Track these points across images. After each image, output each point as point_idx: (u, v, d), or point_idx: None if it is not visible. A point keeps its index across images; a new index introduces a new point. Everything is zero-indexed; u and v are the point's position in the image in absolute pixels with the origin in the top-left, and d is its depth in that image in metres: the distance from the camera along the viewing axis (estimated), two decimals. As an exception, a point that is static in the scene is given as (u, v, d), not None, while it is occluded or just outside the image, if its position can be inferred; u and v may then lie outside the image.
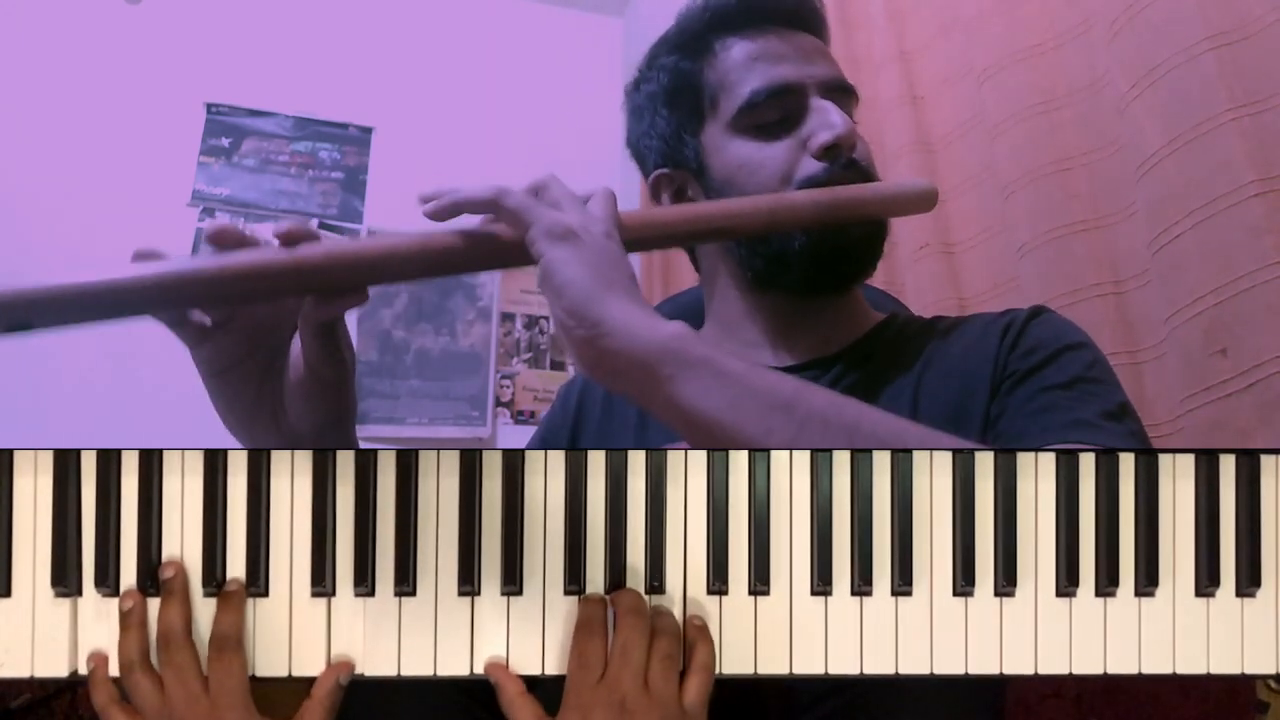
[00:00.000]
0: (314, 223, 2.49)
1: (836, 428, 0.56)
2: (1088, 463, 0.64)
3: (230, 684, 0.59)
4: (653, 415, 0.58)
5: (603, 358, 0.56)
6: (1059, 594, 0.63)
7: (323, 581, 0.61)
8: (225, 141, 2.48)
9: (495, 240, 0.60)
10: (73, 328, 0.55)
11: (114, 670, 0.61)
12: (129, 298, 0.55)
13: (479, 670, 0.62)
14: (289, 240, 0.57)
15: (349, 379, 0.63)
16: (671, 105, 0.81)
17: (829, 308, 0.80)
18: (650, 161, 0.84)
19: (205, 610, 0.61)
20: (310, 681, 0.61)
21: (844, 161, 0.74)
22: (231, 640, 0.60)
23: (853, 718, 0.68)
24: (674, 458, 0.63)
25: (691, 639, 0.61)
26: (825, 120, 0.75)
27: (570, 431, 0.86)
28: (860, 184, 0.73)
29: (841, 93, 0.78)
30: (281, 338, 0.62)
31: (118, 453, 0.62)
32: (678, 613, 0.62)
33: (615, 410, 0.84)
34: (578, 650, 0.59)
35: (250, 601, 0.61)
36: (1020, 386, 0.69)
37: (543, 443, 0.89)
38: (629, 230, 0.63)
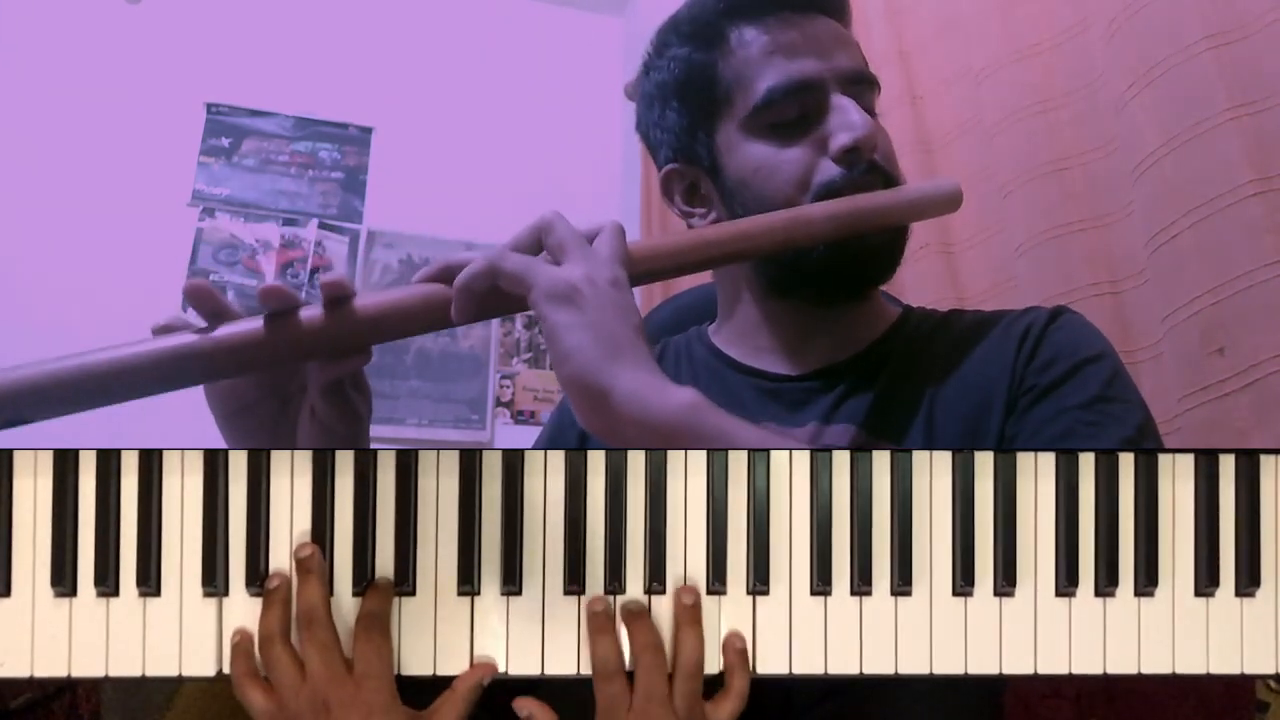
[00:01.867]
0: (314, 223, 2.49)
1: None
2: (1087, 463, 0.64)
3: (378, 666, 0.58)
4: None
5: (611, 426, 0.55)
6: (1059, 594, 0.63)
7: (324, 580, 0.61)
8: (225, 141, 2.47)
9: (495, 292, 0.59)
10: (71, 413, 0.54)
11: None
12: (123, 380, 0.54)
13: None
14: (273, 300, 0.56)
15: (362, 431, 0.62)
16: (683, 99, 0.77)
17: (846, 313, 0.77)
18: (661, 155, 0.80)
19: (207, 609, 0.61)
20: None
21: (864, 166, 0.71)
22: (381, 621, 0.60)
23: (852, 719, 0.68)
24: (674, 457, 0.63)
25: (731, 664, 0.61)
26: (845, 121, 0.70)
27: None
28: (881, 191, 0.70)
29: (863, 84, 0.74)
30: (295, 386, 0.62)
31: (117, 453, 0.62)
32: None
33: None
34: (602, 695, 0.59)
35: (249, 601, 0.61)
36: (1037, 406, 0.67)
37: (551, 438, 0.88)
38: (638, 263, 0.61)
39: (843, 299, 0.76)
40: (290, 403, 0.62)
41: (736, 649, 0.61)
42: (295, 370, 0.61)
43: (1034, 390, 0.68)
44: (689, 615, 0.61)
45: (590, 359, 0.55)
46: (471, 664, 0.62)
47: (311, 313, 0.57)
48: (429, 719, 0.59)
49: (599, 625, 0.60)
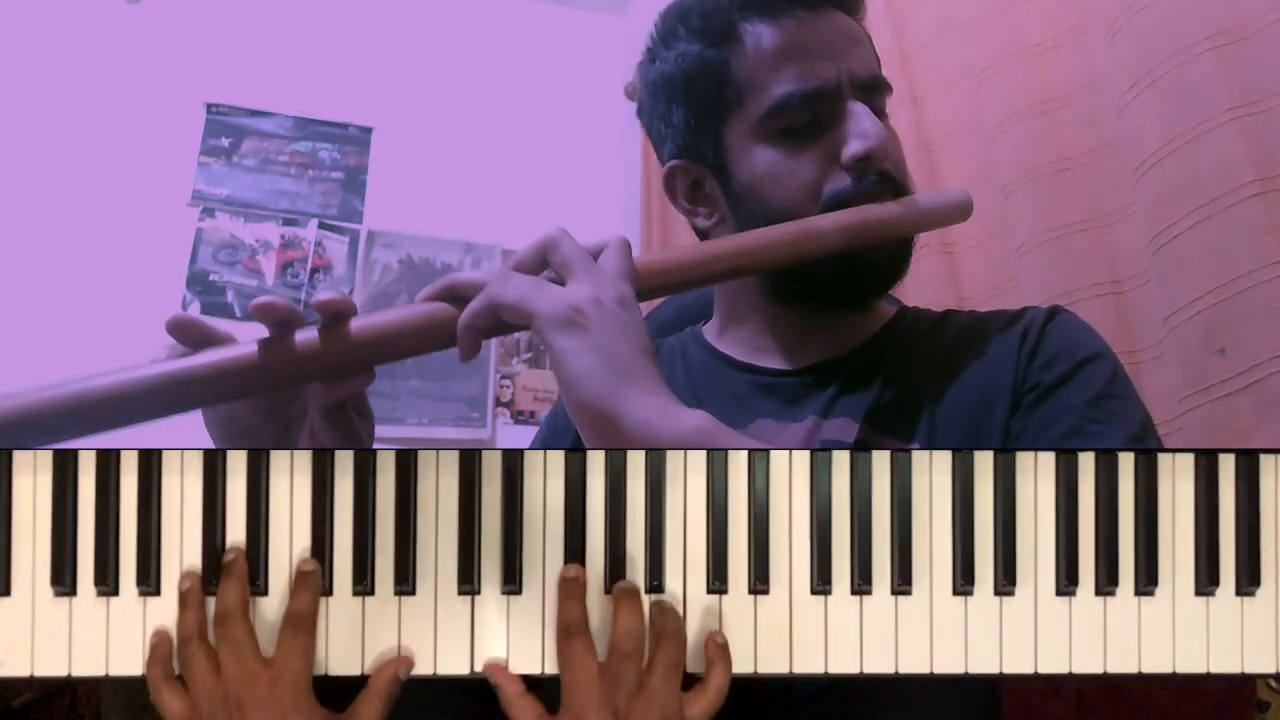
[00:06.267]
0: (314, 223, 2.49)
1: None
2: (1087, 462, 0.64)
3: (295, 664, 0.58)
4: None
5: (620, 447, 0.55)
6: (1059, 593, 0.63)
7: (322, 581, 0.61)
8: (225, 141, 2.48)
9: (500, 323, 0.58)
10: (69, 439, 0.53)
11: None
12: (120, 407, 0.53)
13: (479, 670, 0.62)
14: (268, 316, 0.55)
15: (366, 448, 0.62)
16: (690, 96, 0.74)
17: (847, 316, 0.77)
18: (665, 150, 0.79)
19: (207, 609, 0.61)
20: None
21: (875, 175, 0.70)
22: (306, 620, 0.59)
23: (850, 713, 0.68)
24: (674, 457, 0.63)
25: (711, 657, 0.60)
26: (858, 128, 0.69)
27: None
28: (890, 202, 0.70)
29: (876, 89, 0.73)
30: (294, 410, 0.62)
31: (117, 452, 0.62)
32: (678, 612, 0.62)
33: None
34: (563, 656, 0.59)
35: (251, 601, 0.61)
36: (1041, 404, 0.68)
37: (545, 440, 0.88)
38: (645, 279, 0.60)
39: (847, 306, 0.76)
40: (291, 427, 0.62)
41: (718, 644, 0.61)
42: (295, 395, 0.61)
43: (1038, 389, 0.68)
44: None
45: (599, 384, 0.54)
46: (472, 665, 0.62)
47: (309, 334, 0.56)
48: (347, 719, 0.59)
49: (569, 591, 0.60)
